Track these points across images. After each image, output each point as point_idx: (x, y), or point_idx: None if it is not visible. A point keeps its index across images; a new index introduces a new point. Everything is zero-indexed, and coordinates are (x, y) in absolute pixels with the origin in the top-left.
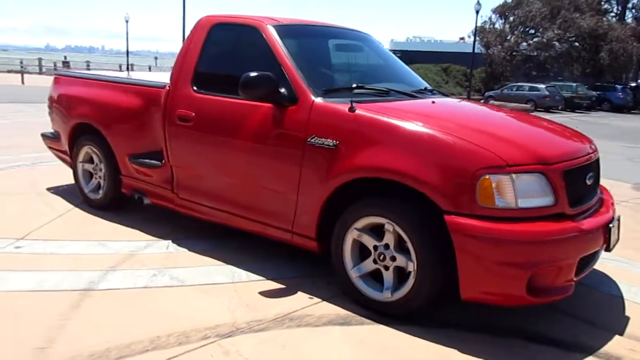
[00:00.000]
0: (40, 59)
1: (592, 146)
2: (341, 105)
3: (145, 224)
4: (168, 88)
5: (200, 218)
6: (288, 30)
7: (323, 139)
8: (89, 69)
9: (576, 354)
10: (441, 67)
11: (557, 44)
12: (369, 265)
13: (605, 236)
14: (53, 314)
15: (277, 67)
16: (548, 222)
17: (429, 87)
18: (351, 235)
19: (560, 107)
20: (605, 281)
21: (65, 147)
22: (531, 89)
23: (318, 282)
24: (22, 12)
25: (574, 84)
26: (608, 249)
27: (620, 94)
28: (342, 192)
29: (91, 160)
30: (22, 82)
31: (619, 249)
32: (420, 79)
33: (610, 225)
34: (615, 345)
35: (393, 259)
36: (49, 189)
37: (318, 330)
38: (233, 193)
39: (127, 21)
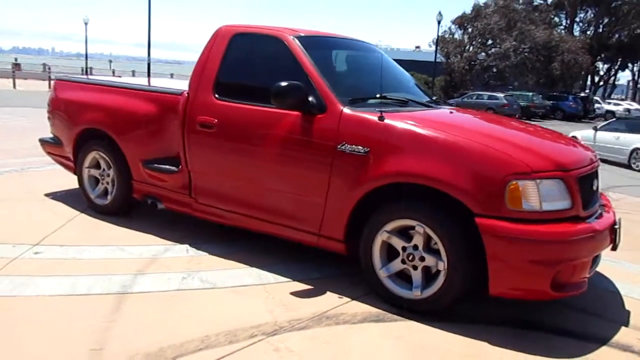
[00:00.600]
0: None
1: (595, 155)
2: (371, 115)
3: (156, 229)
4: (187, 95)
5: (218, 222)
6: (310, 41)
7: (354, 146)
8: (87, 75)
9: (591, 344)
10: None
11: (513, 54)
12: (397, 265)
13: (612, 236)
14: (97, 317)
15: (304, 77)
16: (568, 224)
17: (433, 98)
18: (381, 237)
19: (517, 116)
20: (602, 279)
21: (68, 153)
22: (490, 97)
23: (343, 282)
24: None
25: (530, 94)
26: (614, 248)
27: (572, 103)
28: (368, 196)
29: (97, 166)
30: None
31: (606, 249)
32: (420, 88)
33: (616, 226)
34: (623, 335)
35: (422, 259)
36: (47, 195)
37: (355, 327)
38: (257, 197)
39: (86, 23)
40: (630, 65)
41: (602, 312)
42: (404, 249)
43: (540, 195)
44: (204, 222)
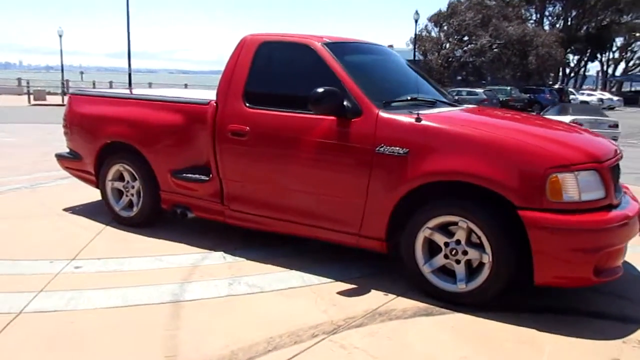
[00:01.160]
0: None
1: (618, 147)
2: (407, 117)
3: (186, 238)
4: (215, 104)
5: (253, 228)
6: (337, 47)
7: (393, 148)
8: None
9: (632, 325)
10: None
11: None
12: (440, 260)
13: None
14: (159, 326)
15: (336, 83)
16: (604, 212)
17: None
18: (423, 234)
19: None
20: (624, 264)
21: (89, 167)
22: (469, 93)
23: (383, 280)
24: None
25: (509, 88)
26: None
27: (548, 95)
28: (407, 195)
29: (121, 178)
30: None
31: None
32: (437, 88)
33: None
34: None
35: (465, 253)
36: (66, 210)
37: (409, 321)
38: (294, 202)
39: (60, 36)
40: (598, 56)
41: (632, 295)
42: (446, 244)
43: (579, 187)
44: (231, 229)
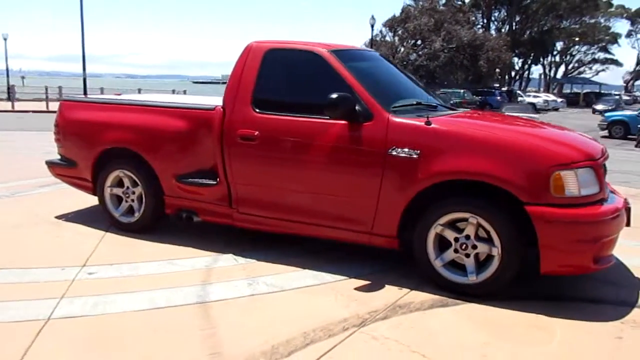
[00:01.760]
0: None
1: (605, 147)
2: (417, 120)
3: (191, 241)
4: (221, 110)
5: (261, 230)
6: (343, 54)
7: (405, 150)
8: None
9: (625, 308)
10: None
11: (442, 54)
12: (450, 254)
13: (627, 214)
14: (194, 326)
15: (346, 89)
16: (600, 206)
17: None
18: (434, 230)
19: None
20: None
21: (85, 174)
22: None
23: (394, 276)
24: None
25: (462, 91)
26: (628, 225)
27: (499, 97)
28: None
29: (120, 184)
30: None
31: None
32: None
33: (629, 205)
34: None
35: (474, 247)
36: (58, 217)
37: (428, 312)
38: (305, 203)
39: (5, 39)
40: (541, 59)
41: (620, 281)
42: (456, 239)
43: (578, 183)
44: (233, 232)
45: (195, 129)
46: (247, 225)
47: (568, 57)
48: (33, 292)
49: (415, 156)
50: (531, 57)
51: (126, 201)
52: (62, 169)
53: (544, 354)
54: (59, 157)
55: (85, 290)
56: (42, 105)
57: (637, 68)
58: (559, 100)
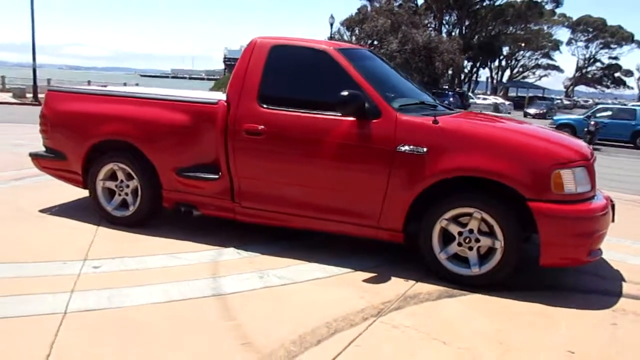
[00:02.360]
0: None
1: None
2: (424, 119)
3: (188, 235)
4: (225, 104)
5: (264, 224)
6: (349, 53)
7: (413, 147)
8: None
9: (613, 297)
10: None
11: (398, 55)
12: (454, 248)
13: (612, 211)
14: (216, 318)
15: (354, 86)
16: (593, 202)
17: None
18: (439, 225)
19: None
20: None
21: (75, 167)
22: None
23: (398, 268)
24: None
25: None
26: (613, 221)
27: (452, 99)
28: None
29: (113, 177)
30: None
31: None
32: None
33: (613, 203)
34: (628, 289)
35: (477, 240)
36: (42, 211)
37: (437, 303)
38: (311, 198)
39: None
40: (489, 63)
41: (603, 273)
42: (459, 233)
43: (575, 181)
44: (228, 225)
45: (198, 122)
46: (250, 219)
47: (513, 61)
48: (39, 286)
49: (423, 153)
50: (480, 61)
51: (119, 195)
52: (49, 161)
53: (557, 339)
54: (44, 149)
55: (95, 284)
56: None
57: (577, 74)
58: (507, 103)
